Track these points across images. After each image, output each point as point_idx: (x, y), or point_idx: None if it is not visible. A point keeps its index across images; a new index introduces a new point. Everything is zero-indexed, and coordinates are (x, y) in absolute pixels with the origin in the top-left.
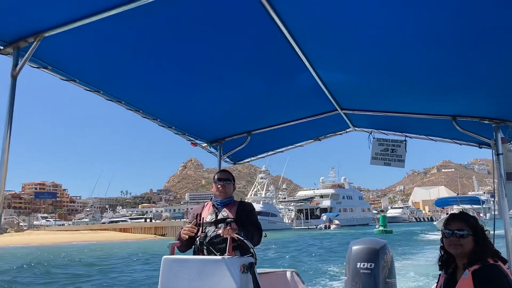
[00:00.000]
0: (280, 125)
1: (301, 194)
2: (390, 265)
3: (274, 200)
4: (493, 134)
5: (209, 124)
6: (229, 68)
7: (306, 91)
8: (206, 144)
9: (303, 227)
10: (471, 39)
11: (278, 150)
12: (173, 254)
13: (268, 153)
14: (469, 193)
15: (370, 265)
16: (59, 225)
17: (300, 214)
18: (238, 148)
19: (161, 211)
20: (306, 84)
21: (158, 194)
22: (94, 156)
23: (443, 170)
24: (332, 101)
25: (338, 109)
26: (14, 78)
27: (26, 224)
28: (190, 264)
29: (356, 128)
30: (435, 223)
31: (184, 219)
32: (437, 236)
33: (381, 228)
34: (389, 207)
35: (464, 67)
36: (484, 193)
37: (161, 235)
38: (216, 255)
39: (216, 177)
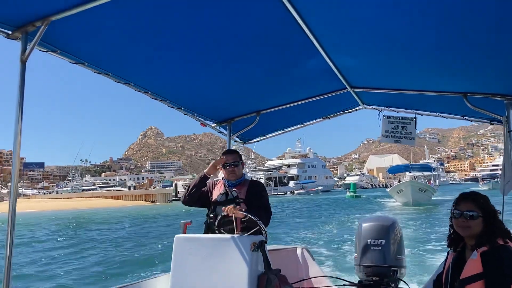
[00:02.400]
0: (289, 104)
1: (270, 163)
2: (400, 241)
3: (247, 170)
4: (504, 110)
5: (218, 105)
6: (239, 48)
7: (316, 70)
8: (215, 124)
9: (272, 193)
10: (482, 14)
11: (287, 129)
12: (185, 233)
13: (278, 132)
14: (421, 161)
15: (381, 242)
16: (45, 193)
17: (269, 182)
18: (247, 128)
19: (125, 179)
20: (316, 64)
21: (119, 162)
22: (51, 124)
23: None
24: (342, 79)
25: (348, 87)
26: (23, 63)
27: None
28: (202, 243)
29: (366, 106)
30: (387, 190)
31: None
32: (393, 203)
33: (351, 193)
34: (345, 174)
35: (475, 43)
36: (434, 161)
37: (152, 202)
38: (226, 233)
39: (224, 161)
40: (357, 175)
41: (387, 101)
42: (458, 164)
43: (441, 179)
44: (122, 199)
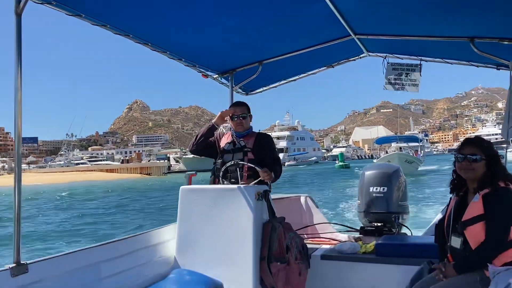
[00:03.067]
0: (291, 53)
1: None
2: (404, 188)
3: None
4: (511, 55)
5: (220, 55)
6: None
7: (319, 17)
8: (217, 75)
9: None
10: None
11: (290, 79)
12: (190, 184)
13: (280, 82)
14: (406, 132)
15: (383, 189)
16: (40, 167)
17: None
18: (250, 78)
19: (112, 153)
20: (319, 10)
21: (105, 136)
22: (36, 97)
23: (381, 110)
24: (346, 26)
25: (352, 34)
26: (18, 15)
27: None
28: (207, 193)
29: (370, 53)
30: (375, 160)
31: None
32: None
33: (341, 163)
34: (331, 146)
35: None
36: (419, 132)
37: (147, 174)
38: (231, 182)
39: (232, 112)
40: (343, 147)
41: (391, 48)
42: (442, 135)
43: (426, 150)
44: (118, 172)
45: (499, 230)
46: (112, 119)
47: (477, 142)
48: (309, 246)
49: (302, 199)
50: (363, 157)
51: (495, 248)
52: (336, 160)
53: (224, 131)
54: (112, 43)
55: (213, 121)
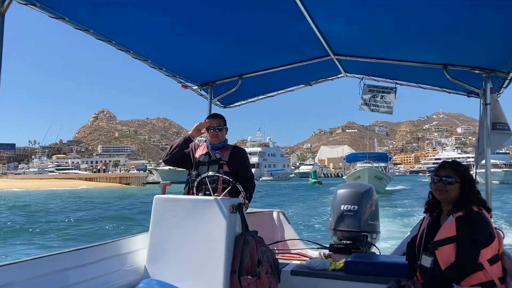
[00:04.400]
0: (271, 69)
1: None
2: (375, 208)
3: None
4: (482, 83)
5: (201, 67)
6: (222, 10)
7: (300, 36)
8: (197, 87)
9: None
10: None
11: (269, 95)
12: (164, 194)
13: (259, 97)
14: None
15: (354, 207)
16: (15, 174)
17: None
18: (229, 91)
19: (78, 162)
20: (301, 29)
21: (69, 145)
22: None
23: (347, 130)
24: (326, 46)
25: (331, 54)
26: (2, 15)
27: None
28: (181, 203)
29: (347, 74)
30: (344, 177)
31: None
32: None
33: (314, 180)
34: (298, 164)
35: (456, 15)
36: None
37: (127, 184)
38: (205, 194)
39: (208, 124)
40: (310, 165)
41: (368, 70)
42: (404, 157)
43: (390, 171)
44: (97, 181)
45: (470, 253)
46: (77, 127)
47: (453, 165)
48: (280, 261)
49: (275, 214)
50: (329, 175)
51: (465, 270)
52: (309, 177)
53: (198, 142)
54: (83, 50)
55: (189, 132)
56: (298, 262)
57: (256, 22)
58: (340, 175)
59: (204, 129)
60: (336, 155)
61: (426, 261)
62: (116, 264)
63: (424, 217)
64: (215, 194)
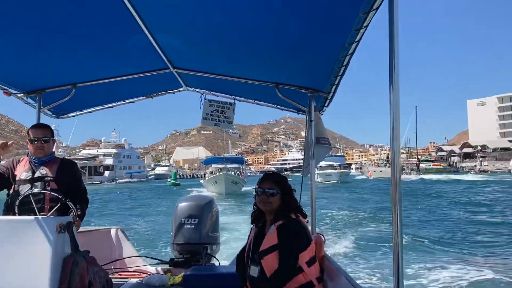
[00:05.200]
0: (109, 79)
1: (85, 153)
2: (215, 220)
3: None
4: (308, 102)
5: (27, 72)
6: (53, 15)
7: (138, 47)
8: (22, 94)
9: (87, 182)
10: (294, 14)
11: (107, 106)
12: None
13: (97, 108)
14: (224, 154)
15: (194, 220)
16: None
17: (84, 171)
18: (61, 100)
19: None
20: (138, 41)
21: None
22: None
23: (202, 132)
24: (165, 59)
25: (171, 67)
26: None
27: None
28: None
29: (188, 88)
30: (201, 181)
31: None
32: (209, 193)
33: (173, 181)
34: (152, 165)
35: (285, 40)
36: (236, 154)
37: None
38: (29, 215)
39: (31, 135)
40: (166, 166)
41: (208, 85)
42: (255, 158)
43: (244, 172)
44: None
45: (289, 258)
46: None
47: (274, 178)
48: (116, 280)
49: (113, 232)
50: (185, 176)
51: (286, 275)
52: (168, 178)
53: (17, 157)
54: None
55: None
56: (137, 280)
57: (91, 30)
58: (196, 176)
59: (27, 141)
60: (191, 156)
61: (254, 271)
62: None
63: (251, 228)
64: (41, 214)
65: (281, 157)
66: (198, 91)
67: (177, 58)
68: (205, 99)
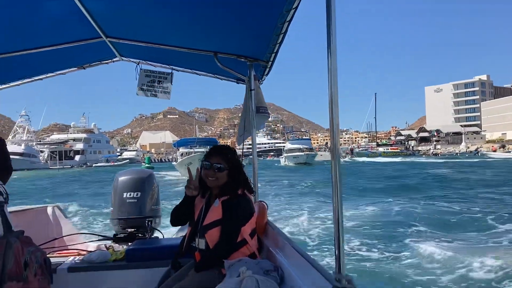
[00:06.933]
0: (35, 49)
1: (55, 137)
2: (157, 193)
3: (34, 143)
4: (247, 71)
5: None
6: None
7: (64, 14)
8: None
9: (58, 166)
10: None
11: (36, 78)
12: None
13: (24, 81)
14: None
15: (137, 194)
16: None
17: (54, 155)
18: None
19: None
20: (64, 7)
21: None
22: None
23: (168, 116)
24: (96, 27)
25: (103, 36)
26: None
27: None
28: None
29: (123, 58)
30: (174, 163)
31: None
32: (178, 176)
33: (147, 165)
34: (118, 149)
35: (222, 5)
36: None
37: None
38: None
39: None
40: (134, 150)
41: (145, 55)
42: (222, 142)
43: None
44: None
45: (232, 231)
46: None
47: (223, 152)
48: (55, 260)
49: (49, 210)
50: (154, 161)
51: (228, 247)
52: (140, 162)
53: None
54: None
55: None
56: (77, 257)
57: None
58: (163, 160)
59: None
60: (158, 141)
61: (201, 243)
62: None
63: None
64: None
65: (248, 141)
66: (133, 61)
67: (110, 26)
68: (141, 69)
